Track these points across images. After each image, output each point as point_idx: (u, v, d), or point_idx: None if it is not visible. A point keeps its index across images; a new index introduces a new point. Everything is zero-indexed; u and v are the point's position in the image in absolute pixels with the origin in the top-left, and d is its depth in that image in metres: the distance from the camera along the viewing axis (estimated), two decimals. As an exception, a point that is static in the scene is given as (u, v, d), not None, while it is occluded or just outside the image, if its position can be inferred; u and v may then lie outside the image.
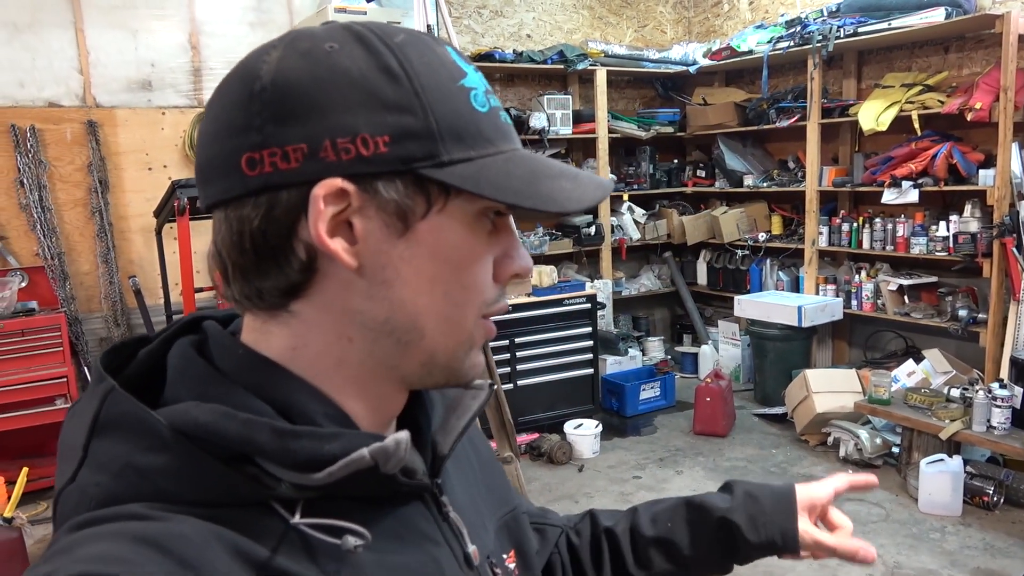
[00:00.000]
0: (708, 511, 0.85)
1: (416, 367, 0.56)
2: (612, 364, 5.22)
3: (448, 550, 0.60)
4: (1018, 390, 3.45)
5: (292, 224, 0.51)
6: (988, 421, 3.48)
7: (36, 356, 3.91)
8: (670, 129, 5.91)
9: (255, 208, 0.51)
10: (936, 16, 4.19)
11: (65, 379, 3.92)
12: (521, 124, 5.05)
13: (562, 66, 5.27)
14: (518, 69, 5.24)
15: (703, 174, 6.02)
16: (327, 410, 0.55)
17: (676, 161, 6.16)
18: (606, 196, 0.58)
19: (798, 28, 4.93)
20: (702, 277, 6.09)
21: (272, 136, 0.50)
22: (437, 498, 0.61)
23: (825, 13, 4.87)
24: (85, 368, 4.19)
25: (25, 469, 3.03)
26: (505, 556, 0.71)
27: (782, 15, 5.32)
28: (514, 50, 5.22)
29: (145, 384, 0.55)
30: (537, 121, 5.16)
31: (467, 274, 0.55)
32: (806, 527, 0.82)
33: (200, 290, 4.01)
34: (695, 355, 5.79)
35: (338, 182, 0.50)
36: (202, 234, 4.39)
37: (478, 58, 5.02)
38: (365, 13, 4.19)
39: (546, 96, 5.39)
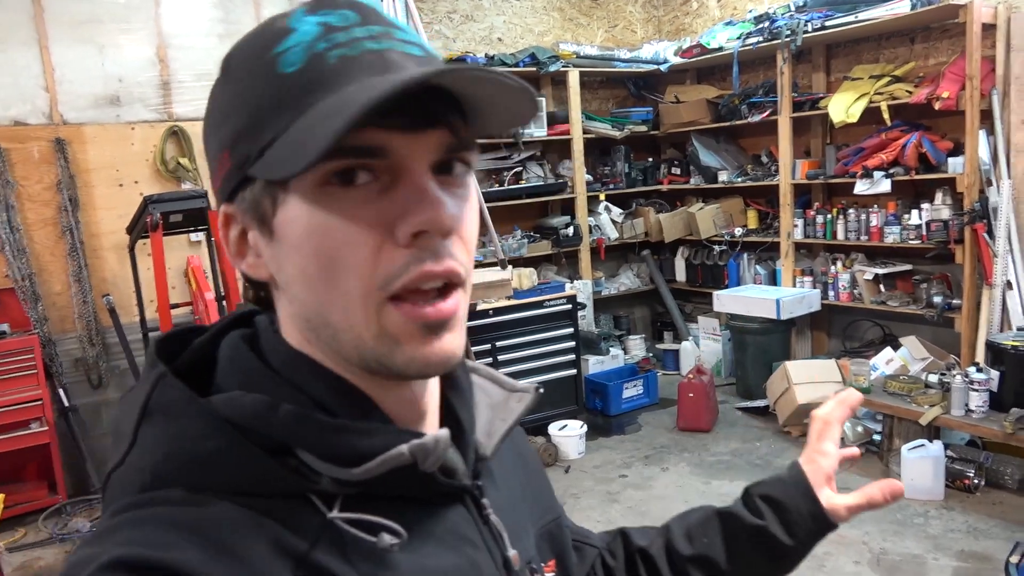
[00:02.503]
0: (741, 520, 0.82)
1: (356, 360, 0.53)
2: (594, 364, 5.23)
3: (487, 554, 0.59)
4: (994, 373, 3.49)
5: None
6: (966, 405, 3.52)
7: (9, 380, 3.85)
8: (644, 128, 5.93)
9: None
10: (902, 7, 4.25)
11: (40, 402, 3.86)
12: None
13: (534, 68, 5.27)
14: (490, 73, 5.23)
15: (678, 171, 6.05)
16: (367, 407, 0.55)
17: (651, 159, 6.18)
18: (428, 77, 0.46)
19: (766, 23, 4.97)
20: (680, 274, 6.12)
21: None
22: (478, 500, 0.60)
23: (792, 8, 4.93)
24: (60, 390, 4.12)
25: (1, 496, 2.97)
26: (544, 564, 0.70)
27: (750, 11, 5.36)
28: (486, 54, 5.22)
29: (197, 373, 0.56)
30: (511, 124, 5.16)
31: (330, 255, 0.49)
32: (831, 501, 0.80)
33: (176, 306, 3.97)
34: (676, 351, 5.81)
35: (224, 207, 0.53)
36: (175, 249, 4.34)
37: (449, 63, 5.00)
38: (333, 21, 4.17)
39: (519, 99, 5.38)
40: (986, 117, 4.11)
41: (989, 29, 4.08)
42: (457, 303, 0.52)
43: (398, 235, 0.49)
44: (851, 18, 4.51)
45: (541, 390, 0.67)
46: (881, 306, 4.70)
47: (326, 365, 0.54)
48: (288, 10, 0.52)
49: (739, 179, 5.56)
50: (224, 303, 3.94)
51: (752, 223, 5.64)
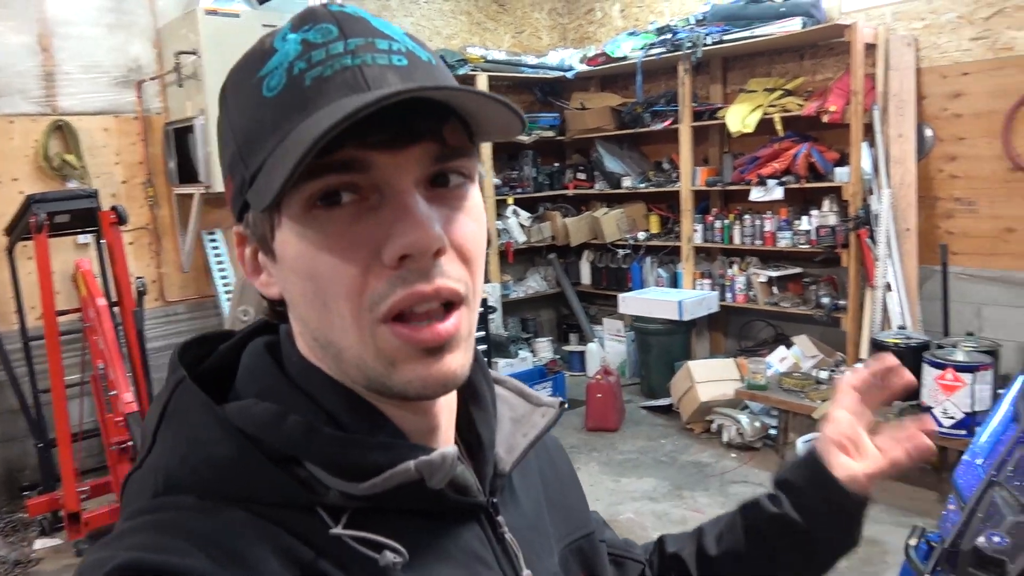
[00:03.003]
0: (760, 510, 0.78)
1: (361, 380, 0.52)
2: (504, 367, 5.26)
3: (500, 574, 0.58)
4: (878, 370, 3.74)
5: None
6: (854, 400, 3.75)
7: None
8: (551, 133, 6.02)
9: None
10: (793, 26, 4.50)
11: (-94, 418, 3.52)
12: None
13: (442, 71, 5.25)
14: (398, 74, 5.18)
15: (583, 176, 6.17)
16: (378, 421, 0.54)
17: (557, 164, 6.28)
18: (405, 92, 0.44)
19: (669, 35, 5.15)
20: (586, 277, 6.25)
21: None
22: (492, 518, 0.59)
23: (692, 21, 5.12)
24: (-71, 404, 3.78)
25: None
26: None
27: (652, 23, 5.54)
28: (393, 55, 5.16)
29: (222, 378, 0.55)
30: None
31: (318, 278, 0.49)
32: (848, 469, 0.73)
33: (62, 313, 3.70)
34: (582, 353, 5.92)
35: (236, 228, 0.54)
36: (61, 252, 4.06)
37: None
38: (238, 15, 4.03)
39: (427, 101, 5.35)
40: (868, 130, 4.41)
41: (871, 49, 4.38)
42: (458, 322, 0.50)
43: (384, 258, 0.48)
44: (747, 33, 4.75)
45: (566, 405, 0.67)
46: (774, 307, 4.96)
47: (337, 379, 0.53)
48: (277, 28, 0.51)
49: (642, 185, 5.74)
50: (117, 308, 3.72)
51: (654, 228, 5.83)
